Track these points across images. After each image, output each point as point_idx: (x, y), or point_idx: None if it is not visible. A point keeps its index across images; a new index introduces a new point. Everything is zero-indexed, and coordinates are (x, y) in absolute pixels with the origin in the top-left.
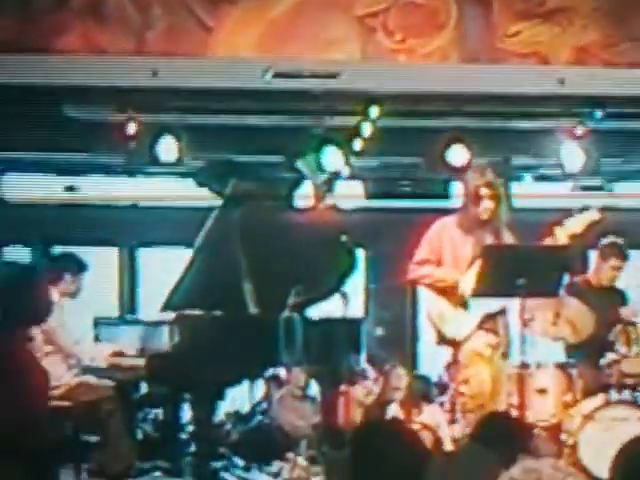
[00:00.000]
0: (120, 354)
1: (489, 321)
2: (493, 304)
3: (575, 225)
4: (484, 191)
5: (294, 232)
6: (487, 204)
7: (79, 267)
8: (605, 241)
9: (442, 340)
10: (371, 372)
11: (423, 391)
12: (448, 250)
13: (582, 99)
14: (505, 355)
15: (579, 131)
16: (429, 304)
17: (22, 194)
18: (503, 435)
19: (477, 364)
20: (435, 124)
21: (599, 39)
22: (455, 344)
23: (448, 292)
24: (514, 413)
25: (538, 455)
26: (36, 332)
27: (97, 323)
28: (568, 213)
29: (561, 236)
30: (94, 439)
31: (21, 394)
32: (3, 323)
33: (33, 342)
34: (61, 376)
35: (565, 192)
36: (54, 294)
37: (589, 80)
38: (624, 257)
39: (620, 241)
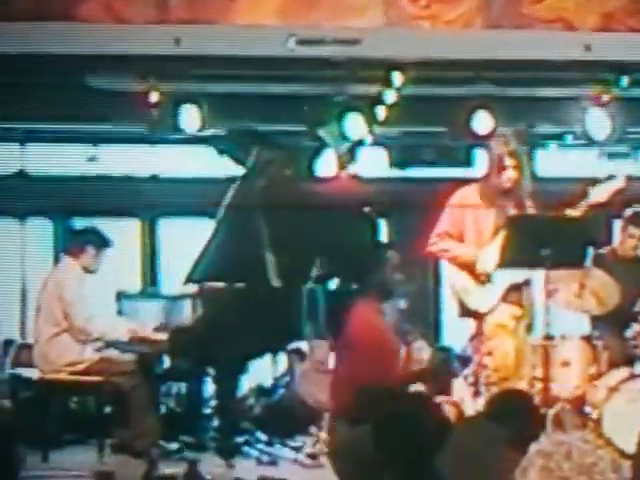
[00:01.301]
0: (135, 332)
1: (513, 293)
2: (517, 275)
3: (600, 194)
4: (507, 160)
5: (316, 202)
6: (510, 173)
7: (102, 242)
8: (629, 210)
9: (465, 312)
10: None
11: (446, 364)
12: (470, 220)
13: (608, 66)
14: (529, 327)
15: (605, 98)
16: (453, 276)
17: (43, 165)
18: (514, 413)
19: (501, 336)
20: (459, 91)
21: (625, 5)
22: (479, 316)
23: (468, 267)
24: (526, 391)
25: (562, 428)
26: (57, 308)
27: (120, 297)
28: (593, 182)
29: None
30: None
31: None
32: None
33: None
34: (83, 351)
35: (590, 160)
36: (76, 267)
37: (615, 46)
38: None
39: None
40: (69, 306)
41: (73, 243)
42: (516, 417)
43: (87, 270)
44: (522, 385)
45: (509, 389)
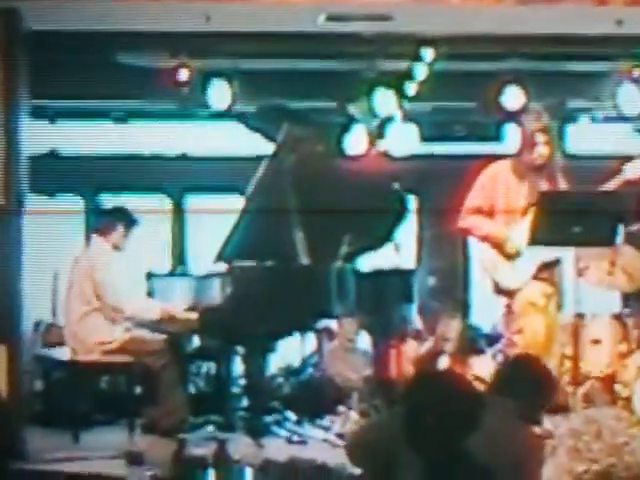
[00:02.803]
0: (165, 311)
1: (544, 270)
2: (547, 253)
3: (634, 170)
4: (539, 136)
5: (346, 180)
6: (542, 150)
7: (131, 221)
8: None
9: (498, 290)
10: (422, 323)
11: (474, 342)
12: (500, 197)
13: None
14: (559, 305)
15: (637, 73)
16: (482, 253)
17: (74, 143)
18: (518, 382)
19: (531, 314)
20: (490, 67)
21: None
22: (509, 293)
23: (498, 244)
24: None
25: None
26: (87, 287)
27: (150, 276)
28: (625, 158)
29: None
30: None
31: None
32: None
33: None
34: (113, 331)
35: (622, 136)
36: (105, 246)
37: None
38: None
39: None
40: (100, 285)
41: (102, 222)
42: (521, 385)
43: (116, 248)
44: (552, 363)
45: (513, 358)
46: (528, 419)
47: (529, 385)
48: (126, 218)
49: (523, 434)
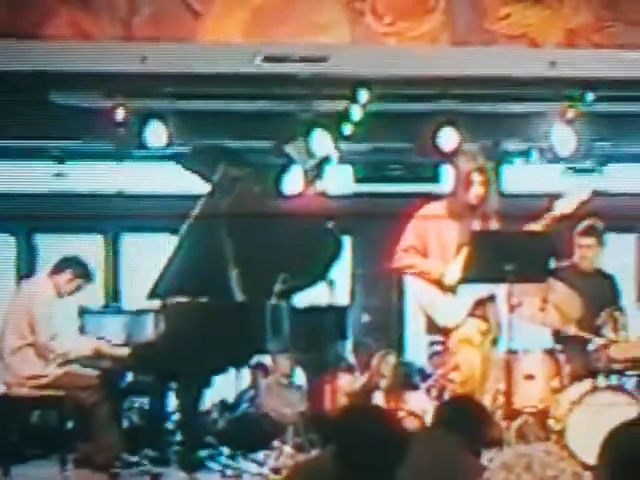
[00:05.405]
0: (97, 350)
1: (479, 307)
2: (482, 290)
3: (565, 205)
4: (475, 177)
5: (281, 219)
6: (477, 190)
7: (84, 273)
8: (583, 224)
9: (432, 329)
10: (356, 360)
11: (409, 378)
12: (433, 236)
13: (573, 82)
14: (494, 341)
15: (570, 114)
16: (418, 292)
17: (8, 182)
18: (464, 419)
19: (467, 351)
20: (425, 107)
21: (590, 21)
22: (445, 331)
23: (434, 282)
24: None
25: (526, 441)
26: (24, 322)
27: (82, 313)
28: (557, 195)
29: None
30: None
31: None
32: None
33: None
34: (46, 366)
35: (556, 176)
36: (49, 285)
37: (580, 63)
38: (598, 238)
39: (597, 223)
40: (36, 322)
41: (56, 264)
42: (465, 422)
43: (58, 291)
44: (486, 399)
45: (456, 396)
46: (471, 451)
47: (471, 421)
48: (79, 268)
49: (468, 463)
